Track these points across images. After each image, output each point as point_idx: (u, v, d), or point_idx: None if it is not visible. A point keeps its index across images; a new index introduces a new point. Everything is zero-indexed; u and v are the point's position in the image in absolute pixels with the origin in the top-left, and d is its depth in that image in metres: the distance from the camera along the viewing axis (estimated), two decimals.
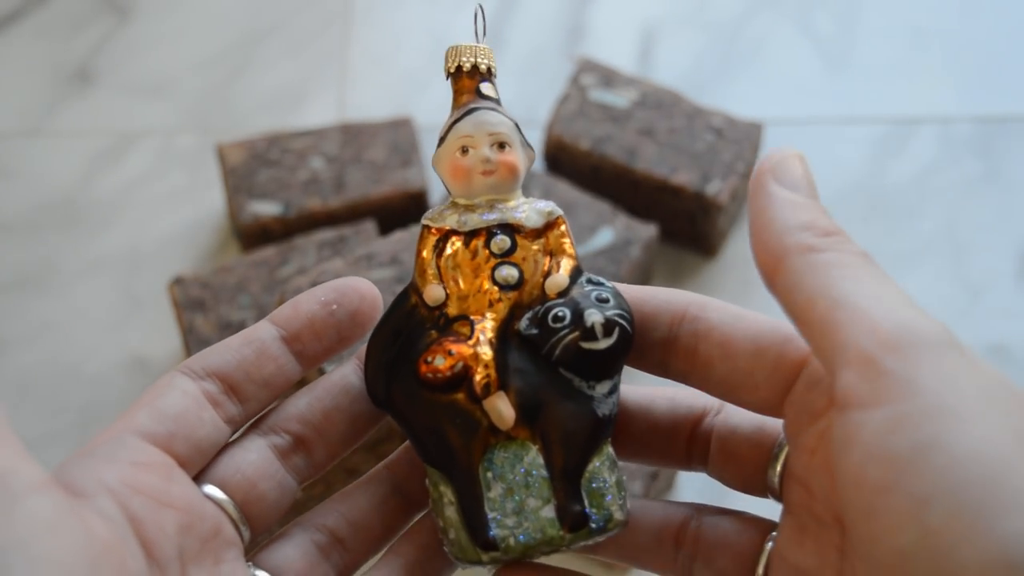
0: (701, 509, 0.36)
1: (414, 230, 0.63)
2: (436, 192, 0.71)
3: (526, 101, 0.78)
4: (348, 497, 0.36)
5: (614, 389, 0.34)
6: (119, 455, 0.32)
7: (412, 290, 0.35)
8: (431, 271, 0.35)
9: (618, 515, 0.34)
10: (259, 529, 0.34)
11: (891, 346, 0.28)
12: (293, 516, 0.36)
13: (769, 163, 0.33)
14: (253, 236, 0.69)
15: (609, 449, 0.34)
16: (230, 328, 0.63)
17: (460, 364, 0.34)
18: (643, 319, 0.34)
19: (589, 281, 0.35)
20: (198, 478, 0.34)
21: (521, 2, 0.83)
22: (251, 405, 0.35)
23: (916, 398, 0.27)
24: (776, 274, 0.31)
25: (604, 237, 0.66)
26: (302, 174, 0.70)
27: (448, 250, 0.35)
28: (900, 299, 0.30)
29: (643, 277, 0.68)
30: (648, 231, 0.66)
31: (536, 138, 0.73)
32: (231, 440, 0.35)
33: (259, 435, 0.35)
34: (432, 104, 0.76)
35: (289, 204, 0.69)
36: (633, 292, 0.35)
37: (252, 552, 0.34)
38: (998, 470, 0.26)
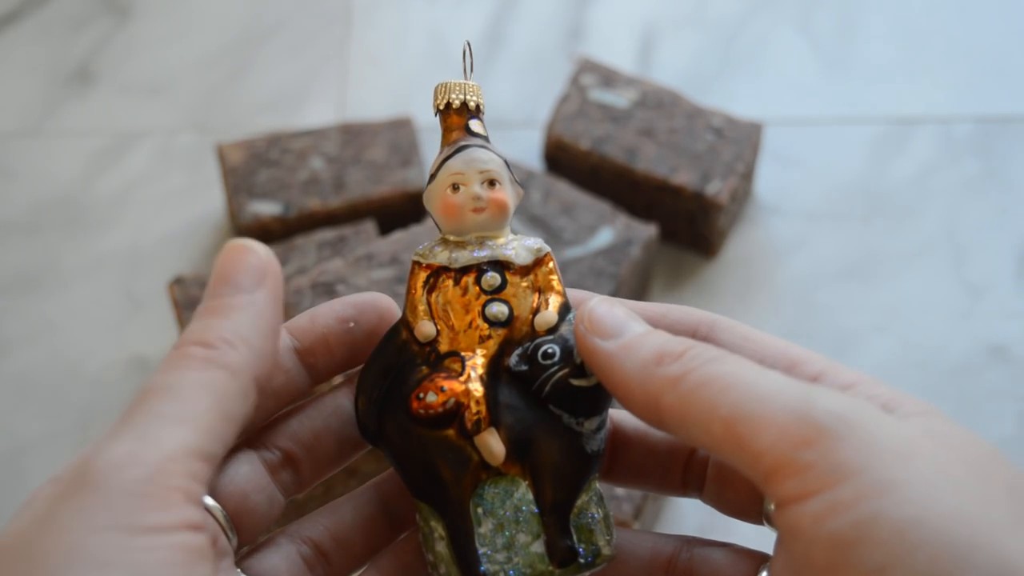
0: (691, 541, 0.36)
1: (414, 230, 0.63)
2: None
3: (526, 101, 0.78)
4: (336, 511, 0.36)
5: (602, 425, 0.35)
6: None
7: (403, 325, 0.35)
8: (422, 307, 0.35)
9: (606, 550, 0.34)
10: (246, 540, 0.34)
11: (802, 441, 0.28)
12: (284, 521, 0.36)
13: (582, 325, 0.33)
14: (253, 236, 0.69)
15: (597, 485, 0.35)
16: None
17: (451, 400, 0.34)
18: None
19: None
20: None
21: (521, 2, 0.83)
22: (258, 414, 0.35)
23: (847, 481, 0.27)
24: (661, 421, 0.31)
25: (604, 237, 0.66)
26: (302, 174, 0.70)
27: (439, 286, 0.35)
28: (784, 381, 0.29)
29: (643, 277, 0.68)
30: (648, 231, 0.66)
31: (536, 138, 0.73)
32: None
33: (251, 448, 0.35)
34: (432, 104, 0.76)
35: (289, 204, 0.69)
36: (644, 311, 0.35)
37: (238, 557, 0.35)
38: (948, 529, 0.26)
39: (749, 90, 0.78)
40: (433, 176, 0.35)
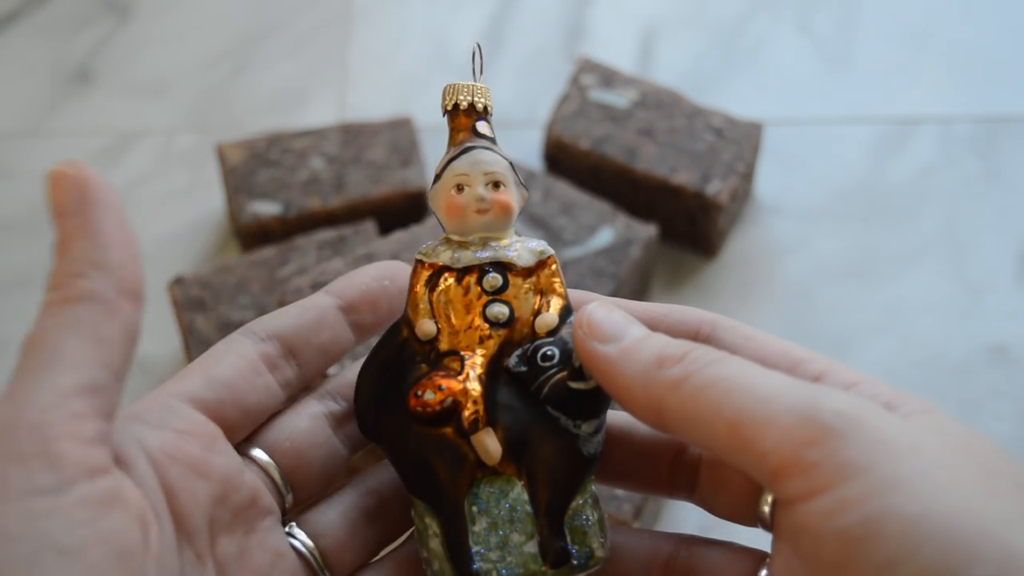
0: (690, 540, 0.36)
1: (414, 230, 0.63)
2: None
3: (526, 101, 0.78)
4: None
5: (599, 428, 0.35)
6: (166, 421, 0.32)
7: (404, 323, 0.35)
8: (423, 305, 0.35)
9: (599, 552, 0.35)
10: (304, 495, 0.35)
11: (807, 441, 0.28)
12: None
13: (581, 330, 0.33)
14: (253, 236, 0.69)
15: (593, 487, 0.35)
16: (230, 328, 0.63)
17: (449, 399, 0.34)
18: None
19: None
20: (248, 440, 0.34)
21: (521, 2, 0.83)
22: (308, 370, 0.35)
23: (854, 479, 0.27)
24: (664, 423, 0.31)
25: (604, 237, 0.66)
26: (302, 174, 0.70)
27: (441, 285, 0.35)
28: (787, 382, 0.29)
29: (643, 277, 0.68)
30: (648, 231, 0.66)
31: (536, 138, 0.73)
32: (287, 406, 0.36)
33: (316, 400, 0.36)
34: (432, 104, 0.75)
35: (289, 204, 0.69)
36: (646, 311, 0.35)
37: (295, 512, 0.35)
38: (955, 523, 0.26)
39: (749, 90, 0.78)
40: (439, 176, 0.36)
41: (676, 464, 0.36)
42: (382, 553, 0.37)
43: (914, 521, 0.26)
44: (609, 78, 0.72)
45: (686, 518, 0.61)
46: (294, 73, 0.80)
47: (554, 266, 0.36)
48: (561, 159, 0.71)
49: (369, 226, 0.67)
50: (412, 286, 0.35)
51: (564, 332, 0.35)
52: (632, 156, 0.69)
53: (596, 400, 0.34)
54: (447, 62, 0.80)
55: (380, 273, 0.37)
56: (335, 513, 0.35)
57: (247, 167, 0.70)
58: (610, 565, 0.35)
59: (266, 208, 0.69)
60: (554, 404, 0.34)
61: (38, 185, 0.81)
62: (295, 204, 0.69)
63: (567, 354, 0.34)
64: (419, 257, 0.36)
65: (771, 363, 0.33)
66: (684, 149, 0.69)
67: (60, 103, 0.79)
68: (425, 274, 0.35)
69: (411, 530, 0.36)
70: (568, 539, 0.34)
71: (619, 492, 0.57)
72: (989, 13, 0.82)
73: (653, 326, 0.34)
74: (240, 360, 0.34)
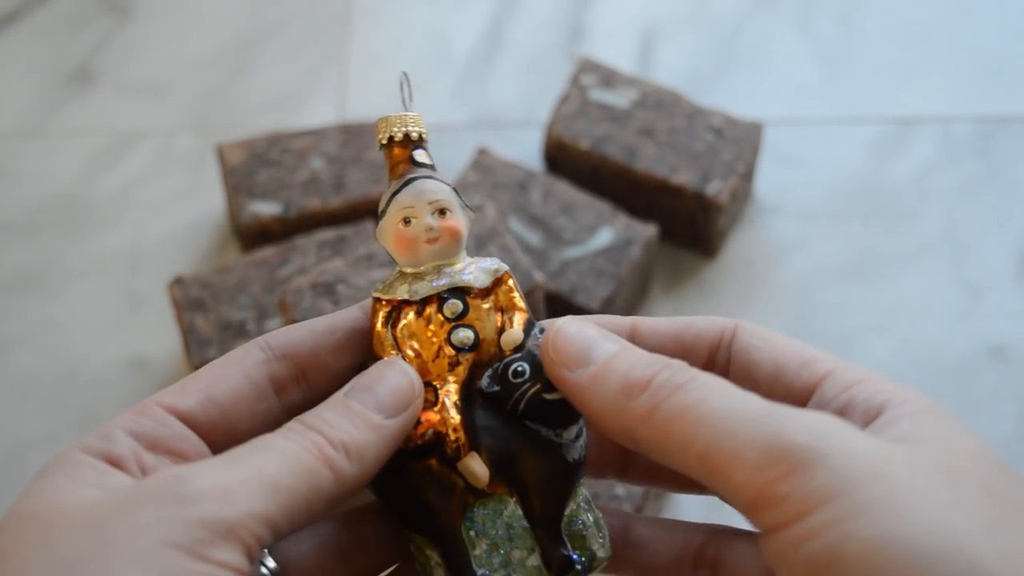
0: (721, 531, 0.36)
1: None
2: None
3: (526, 101, 0.78)
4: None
5: (580, 432, 0.35)
6: (162, 440, 0.32)
7: (372, 361, 0.35)
8: (388, 342, 0.35)
9: (601, 552, 0.35)
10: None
11: (775, 477, 0.28)
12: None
13: (548, 354, 0.34)
14: (253, 236, 0.69)
15: (583, 491, 0.35)
16: (230, 328, 0.63)
17: (430, 431, 0.34)
18: (683, 352, 0.35)
19: (542, 331, 0.36)
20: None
21: (521, 2, 0.83)
22: (317, 393, 0.35)
23: (821, 508, 0.28)
24: (639, 448, 0.32)
25: (604, 237, 0.66)
26: (302, 174, 0.70)
27: (402, 320, 0.35)
28: (752, 411, 0.30)
29: (643, 277, 0.68)
30: (648, 231, 0.66)
31: (536, 138, 0.73)
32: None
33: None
34: (432, 104, 0.76)
35: (289, 204, 0.69)
36: (669, 327, 0.35)
37: None
38: (917, 541, 0.27)
39: (749, 90, 0.78)
40: (383, 212, 0.36)
41: (697, 564, 0.36)
42: None
43: (877, 543, 0.27)
44: (609, 78, 0.72)
45: (685, 518, 0.61)
46: (294, 73, 0.80)
47: (510, 281, 0.36)
48: (561, 159, 0.71)
49: (369, 226, 0.67)
50: (373, 326, 0.35)
51: (531, 345, 0.35)
52: (632, 156, 0.69)
53: (572, 407, 0.35)
54: (447, 62, 0.80)
55: None
56: (307, 545, 0.35)
57: (247, 167, 0.70)
58: (643, 556, 0.36)
59: (266, 208, 0.69)
60: (532, 418, 0.35)
61: (38, 185, 0.81)
62: (295, 204, 0.69)
63: (537, 367, 0.34)
64: (376, 295, 0.36)
65: (783, 362, 0.33)
66: (684, 149, 0.69)
67: (60, 103, 0.79)
68: (383, 312, 0.35)
69: (390, 570, 0.36)
70: (568, 546, 0.35)
71: (619, 491, 0.57)
72: (989, 13, 0.82)
73: (677, 338, 0.35)
74: (245, 383, 0.34)
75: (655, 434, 0.31)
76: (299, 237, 0.67)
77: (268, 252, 0.66)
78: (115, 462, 0.31)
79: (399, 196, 0.36)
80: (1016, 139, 0.75)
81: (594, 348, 0.33)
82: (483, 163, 0.69)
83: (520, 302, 0.36)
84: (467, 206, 0.36)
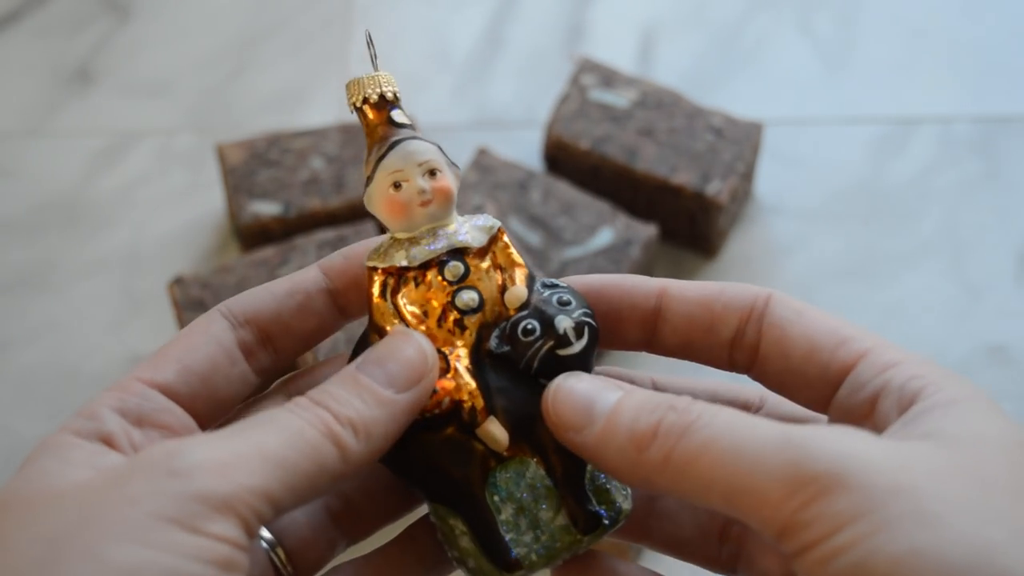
0: None
1: None
2: None
3: (526, 101, 0.78)
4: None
5: None
6: (146, 415, 0.32)
7: (373, 331, 0.34)
8: (389, 312, 0.34)
9: (626, 505, 0.35)
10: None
11: (799, 505, 0.28)
12: None
13: (550, 419, 0.33)
14: (253, 236, 0.69)
15: None
16: None
17: (446, 399, 0.34)
18: (712, 321, 0.34)
19: (544, 285, 0.35)
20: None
21: (521, 2, 0.83)
22: (284, 356, 0.35)
23: (845, 528, 0.27)
24: (663, 492, 0.32)
25: (604, 237, 0.66)
26: (302, 174, 0.70)
27: (403, 287, 0.34)
28: (767, 441, 0.29)
29: None
30: (648, 231, 0.66)
31: (536, 138, 0.73)
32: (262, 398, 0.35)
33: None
34: (432, 104, 0.76)
35: (289, 204, 0.69)
36: (700, 292, 0.35)
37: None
38: (945, 554, 0.27)
39: (749, 90, 0.78)
40: (370, 178, 0.35)
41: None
42: (352, 552, 0.36)
43: (902, 558, 0.27)
44: (609, 78, 0.72)
45: None
46: (294, 73, 0.80)
47: (505, 237, 0.35)
48: (561, 159, 0.71)
49: (369, 226, 0.67)
50: (370, 297, 0.34)
51: (536, 301, 0.34)
52: (632, 156, 0.69)
53: (585, 360, 0.34)
54: (447, 62, 0.80)
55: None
56: (300, 512, 0.35)
57: (247, 167, 0.70)
58: (668, 527, 0.36)
59: (266, 208, 0.69)
60: (546, 374, 0.34)
61: (38, 185, 0.81)
62: (295, 204, 0.69)
63: (547, 323, 0.34)
64: (371, 264, 0.35)
65: (818, 339, 0.33)
66: (684, 149, 0.69)
67: (60, 103, 0.79)
68: (379, 280, 0.34)
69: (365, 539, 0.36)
70: (594, 501, 0.34)
71: None
72: (989, 12, 0.82)
73: (707, 305, 0.34)
74: (217, 349, 0.34)
75: (674, 482, 0.30)
76: (299, 237, 0.67)
77: (268, 252, 0.66)
78: (106, 441, 0.31)
79: (386, 160, 0.34)
80: (1016, 139, 0.75)
81: (594, 404, 0.32)
82: (483, 163, 0.69)
83: (518, 257, 0.35)
84: (452, 163, 0.35)
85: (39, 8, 0.83)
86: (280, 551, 0.35)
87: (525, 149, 0.73)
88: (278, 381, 0.36)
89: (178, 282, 0.65)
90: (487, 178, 0.68)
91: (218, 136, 0.75)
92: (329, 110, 0.78)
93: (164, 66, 0.81)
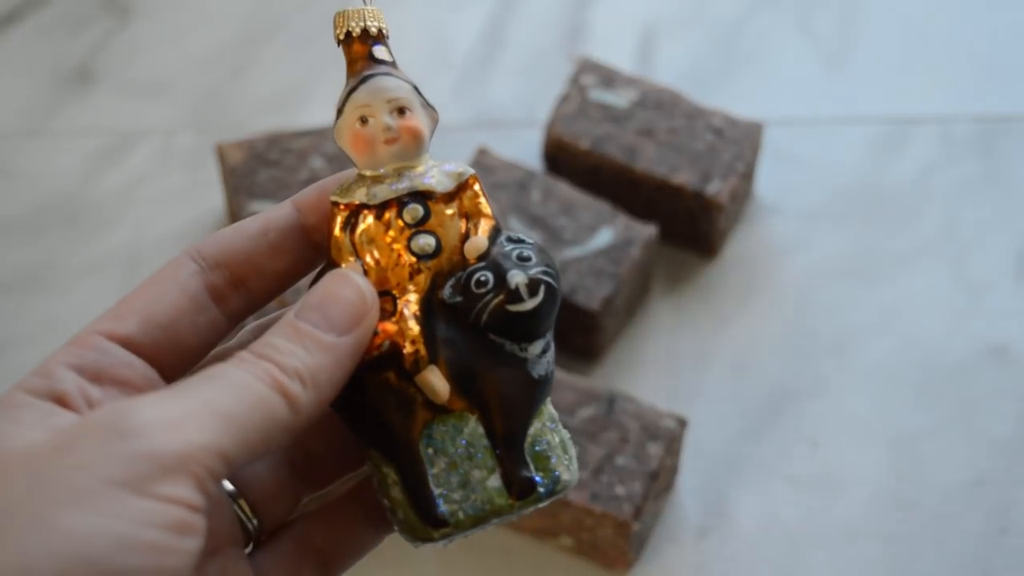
0: None
1: None
2: None
3: (526, 101, 0.78)
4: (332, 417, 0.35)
5: (547, 348, 0.34)
6: (104, 369, 0.31)
7: (330, 269, 0.33)
8: (347, 249, 0.33)
9: (565, 476, 0.33)
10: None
11: None
12: None
13: None
14: None
15: (550, 409, 0.34)
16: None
17: (387, 342, 0.32)
18: None
19: (509, 239, 0.34)
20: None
21: (521, 2, 0.83)
22: (258, 297, 0.34)
23: None
24: None
25: (604, 237, 0.66)
26: (302, 174, 0.70)
27: (360, 225, 0.33)
28: None
29: (643, 277, 0.68)
30: (648, 231, 0.66)
31: (536, 138, 0.73)
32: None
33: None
34: (432, 104, 0.76)
35: None
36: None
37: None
38: None
39: (749, 90, 0.78)
40: (340, 111, 0.34)
41: None
42: (308, 500, 0.36)
43: None
44: (609, 78, 0.72)
45: (685, 518, 0.61)
46: (294, 73, 0.80)
47: (476, 186, 0.34)
48: (561, 159, 0.71)
49: None
50: (330, 231, 0.33)
51: (495, 253, 0.33)
52: (632, 156, 0.69)
53: (539, 320, 0.33)
54: (447, 62, 0.80)
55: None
56: (262, 465, 0.34)
57: (247, 167, 0.70)
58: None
59: (266, 208, 0.69)
60: (496, 330, 0.33)
61: (38, 185, 0.81)
62: None
63: (501, 277, 0.33)
64: (334, 199, 0.34)
65: None
66: (684, 149, 0.69)
67: (60, 103, 0.79)
68: (340, 216, 0.33)
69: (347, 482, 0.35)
70: (532, 467, 0.33)
71: (619, 492, 0.57)
72: (989, 13, 0.82)
73: None
74: (183, 297, 0.33)
75: None
76: None
77: None
78: (60, 399, 0.30)
79: (356, 94, 0.34)
80: (1016, 139, 0.75)
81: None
82: (483, 163, 0.69)
83: (486, 208, 0.34)
84: (429, 105, 0.35)
85: (39, 8, 0.83)
86: (243, 503, 0.34)
87: (525, 149, 0.73)
88: (249, 326, 0.35)
89: None
90: (487, 178, 0.68)
91: (218, 136, 0.75)
92: (329, 110, 0.78)
93: (164, 66, 0.81)
